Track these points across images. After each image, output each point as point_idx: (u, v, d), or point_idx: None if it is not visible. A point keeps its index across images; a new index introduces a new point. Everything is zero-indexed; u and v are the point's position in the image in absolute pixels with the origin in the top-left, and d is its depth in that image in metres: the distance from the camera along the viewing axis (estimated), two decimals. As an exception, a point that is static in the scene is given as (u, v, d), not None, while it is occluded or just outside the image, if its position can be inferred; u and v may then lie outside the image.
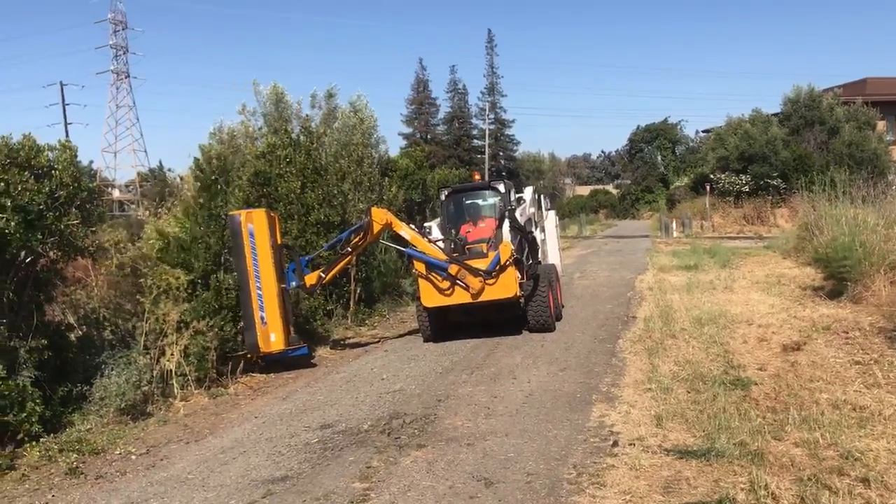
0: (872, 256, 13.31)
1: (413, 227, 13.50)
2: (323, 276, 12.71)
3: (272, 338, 11.53)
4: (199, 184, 12.31)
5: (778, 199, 41.50)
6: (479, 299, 12.57)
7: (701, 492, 5.61)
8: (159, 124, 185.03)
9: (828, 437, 6.43)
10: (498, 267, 12.39)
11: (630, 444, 6.82)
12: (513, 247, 12.68)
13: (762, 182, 42.85)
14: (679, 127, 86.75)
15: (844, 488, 5.36)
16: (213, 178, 12.16)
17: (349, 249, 12.98)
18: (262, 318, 11.47)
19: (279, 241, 12.33)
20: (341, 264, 13.13)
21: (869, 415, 7.02)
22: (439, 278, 12.68)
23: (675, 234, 42.21)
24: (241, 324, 11.47)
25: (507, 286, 12.46)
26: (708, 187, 45.47)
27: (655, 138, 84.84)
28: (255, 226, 11.62)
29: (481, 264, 12.50)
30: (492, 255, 12.59)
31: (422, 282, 12.90)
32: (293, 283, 12.36)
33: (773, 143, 43.19)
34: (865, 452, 6.03)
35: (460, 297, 12.64)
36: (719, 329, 11.85)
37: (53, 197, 8.98)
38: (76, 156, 9.51)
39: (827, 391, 7.94)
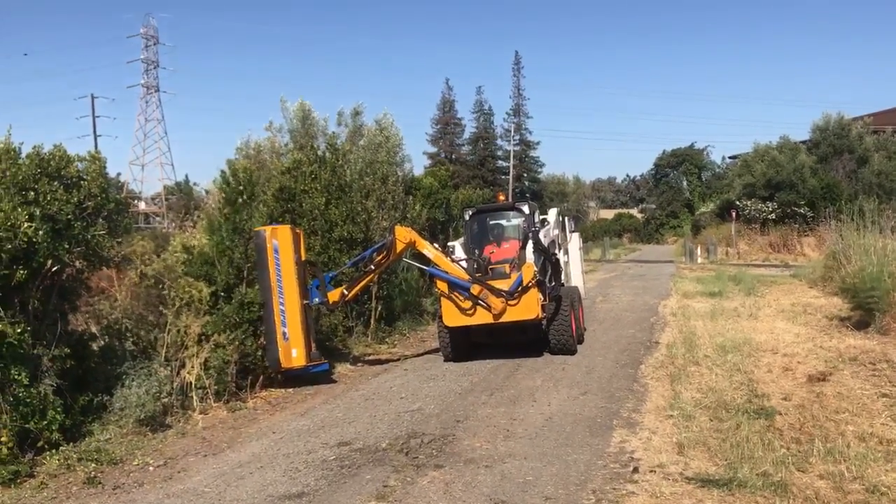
0: (901, 287, 13.10)
1: (436, 246, 13.49)
2: (346, 293, 12.76)
3: (294, 353, 11.56)
4: (224, 197, 12.40)
5: (805, 228, 41.09)
6: (501, 320, 12.52)
7: (722, 522, 5.51)
8: (187, 138, 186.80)
9: (853, 470, 6.31)
10: (520, 288, 12.34)
11: (651, 471, 6.72)
12: (536, 268, 12.62)
13: (789, 210, 42.49)
14: (705, 152, 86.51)
15: (871, 524, 5.25)
16: (238, 191, 12.25)
17: (372, 267, 13.01)
18: (284, 333, 11.50)
19: (303, 258, 12.38)
20: (364, 282, 13.17)
21: (896, 449, 6.88)
22: (461, 298, 12.65)
23: (699, 260, 41.89)
24: (262, 338, 11.50)
25: (530, 307, 12.40)
26: (734, 214, 45.15)
27: (681, 163, 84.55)
28: (280, 242, 11.68)
29: (504, 285, 12.46)
30: (514, 276, 12.55)
31: (444, 301, 12.88)
32: (316, 300, 12.40)
33: (800, 171, 42.85)
34: (892, 487, 5.90)
35: (482, 317, 12.60)
36: (743, 357, 11.69)
37: (81, 207, 9.08)
38: (105, 167, 9.64)
39: (853, 423, 7.80)
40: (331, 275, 13.13)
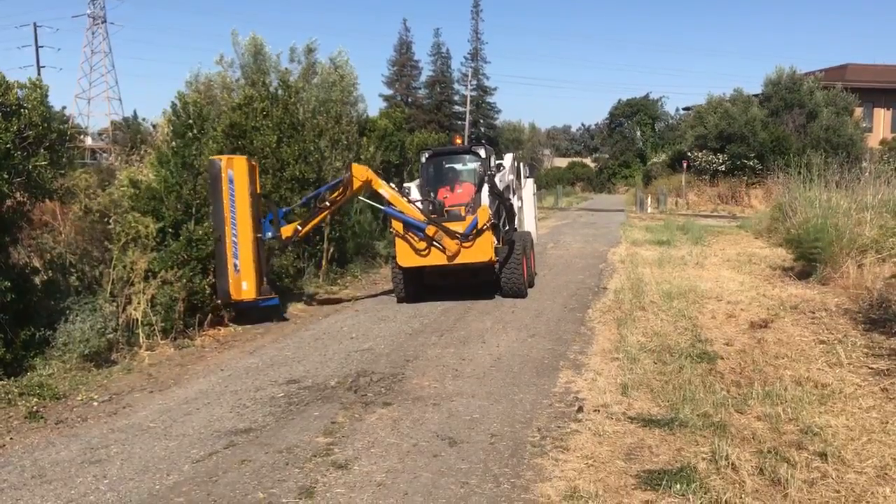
0: (843, 239, 13.46)
1: (393, 186, 13.40)
2: (300, 228, 12.64)
3: (244, 286, 11.47)
4: (173, 130, 12.08)
5: (753, 180, 41.74)
6: (455, 262, 12.58)
7: (663, 459, 5.66)
8: (135, 72, 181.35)
9: (789, 412, 6.52)
10: (475, 231, 12.38)
11: (595, 411, 6.86)
12: (490, 211, 12.64)
13: (739, 162, 43.05)
14: (660, 103, 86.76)
15: (802, 462, 5.44)
16: (188, 125, 11.94)
17: (327, 204, 12.88)
18: (235, 265, 11.40)
19: (258, 191, 12.22)
20: (318, 218, 13.08)
21: (830, 392, 7.12)
22: (416, 238, 12.65)
23: (649, 209, 42.39)
24: (212, 274, 11.35)
25: (483, 250, 12.47)
26: (685, 165, 45.63)
27: (636, 113, 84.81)
28: (236, 172, 11.49)
29: (458, 227, 12.48)
30: (469, 218, 12.56)
31: (398, 241, 12.86)
32: (269, 234, 12.27)
33: (752, 124, 43.30)
34: (825, 428, 6.11)
35: (436, 258, 12.64)
36: (688, 304, 11.93)
37: (22, 136, 8.76)
38: (47, 95, 9.26)
39: (791, 368, 8.04)
40: (283, 210, 12.98)
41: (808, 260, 14.44)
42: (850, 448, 5.70)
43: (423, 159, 14.56)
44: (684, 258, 17.98)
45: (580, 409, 6.93)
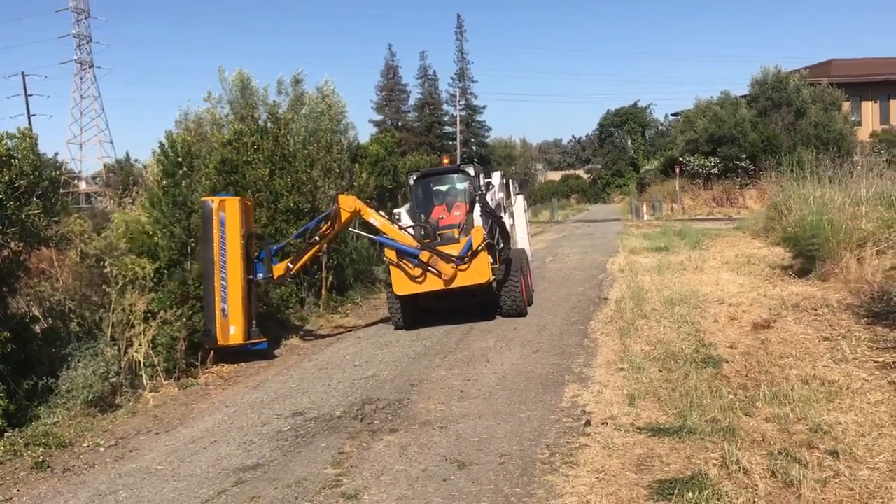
0: (840, 234, 13.46)
1: (383, 213, 13.28)
2: (291, 266, 12.41)
3: (231, 330, 11.27)
4: (163, 170, 12.10)
5: (746, 181, 41.90)
6: (452, 286, 12.39)
7: (674, 468, 5.63)
8: (125, 115, 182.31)
9: (798, 412, 6.49)
10: (470, 252, 12.23)
11: (603, 424, 6.83)
12: (485, 231, 12.56)
13: (731, 164, 43.24)
14: (648, 111, 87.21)
15: (814, 461, 5.41)
16: (177, 164, 11.95)
17: (318, 238, 12.69)
18: (223, 309, 11.21)
19: (252, 230, 12.08)
20: (310, 254, 12.85)
21: (837, 389, 7.09)
22: (411, 265, 12.48)
23: (645, 216, 42.44)
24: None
25: (480, 271, 12.33)
26: (678, 170, 45.76)
27: (625, 122, 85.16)
28: (228, 214, 11.37)
29: (453, 250, 12.34)
30: (464, 240, 12.43)
31: (393, 269, 12.67)
32: (261, 275, 12.10)
33: (741, 125, 43.54)
34: (834, 426, 6.09)
35: (432, 283, 12.46)
36: (690, 309, 11.91)
37: (13, 186, 8.77)
38: (36, 144, 9.30)
39: (797, 367, 8.01)
40: (277, 247, 12.86)
41: (806, 257, 14.44)
42: (861, 444, 5.67)
43: (412, 181, 14.44)
44: (683, 263, 17.98)
45: (588, 423, 6.90)
